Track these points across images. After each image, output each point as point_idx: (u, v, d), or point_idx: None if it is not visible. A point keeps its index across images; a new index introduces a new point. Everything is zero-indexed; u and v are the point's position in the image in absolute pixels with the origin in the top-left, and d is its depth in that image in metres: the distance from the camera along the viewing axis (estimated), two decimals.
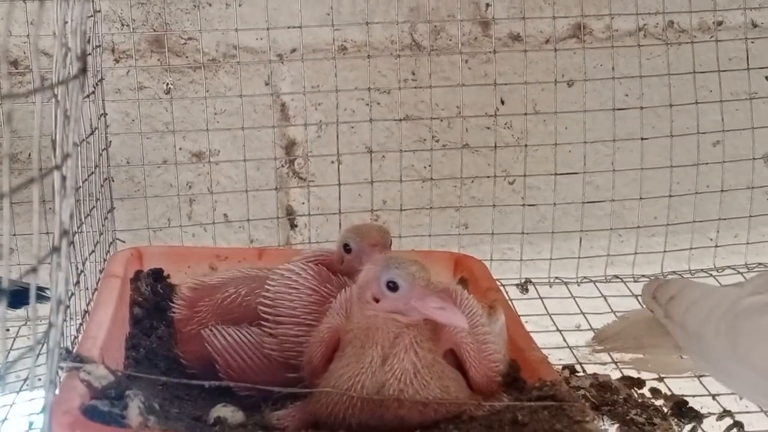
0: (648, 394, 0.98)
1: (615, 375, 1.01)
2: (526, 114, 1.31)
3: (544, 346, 0.93)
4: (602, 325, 1.17)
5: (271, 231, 1.34)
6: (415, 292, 0.71)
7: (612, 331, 1.06)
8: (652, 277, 1.27)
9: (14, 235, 1.20)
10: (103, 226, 1.11)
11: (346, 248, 0.88)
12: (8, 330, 1.12)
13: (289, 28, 1.27)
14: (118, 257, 1.02)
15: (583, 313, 1.20)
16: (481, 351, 0.77)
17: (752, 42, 1.33)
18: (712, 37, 1.33)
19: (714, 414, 0.95)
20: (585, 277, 1.30)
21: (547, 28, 1.32)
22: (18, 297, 0.86)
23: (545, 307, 1.22)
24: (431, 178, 1.33)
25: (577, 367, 1.03)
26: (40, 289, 0.90)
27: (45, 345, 0.62)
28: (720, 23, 1.34)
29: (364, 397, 0.72)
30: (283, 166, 1.34)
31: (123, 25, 1.27)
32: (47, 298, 0.76)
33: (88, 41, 1.07)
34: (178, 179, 1.30)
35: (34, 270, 0.54)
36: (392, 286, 0.71)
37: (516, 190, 1.35)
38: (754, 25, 1.35)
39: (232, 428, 0.74)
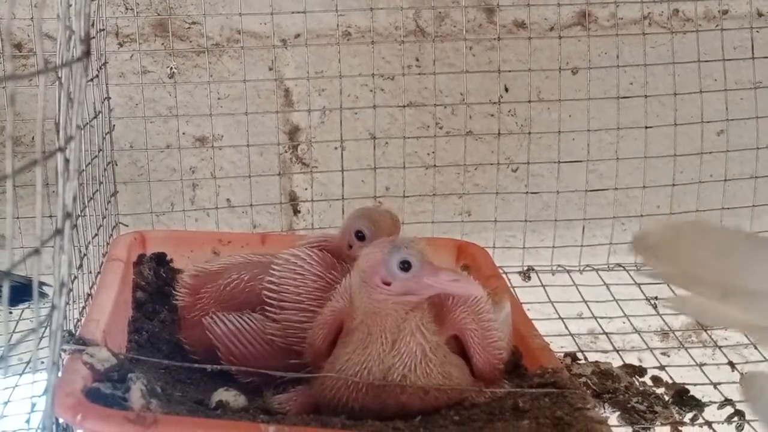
0: (649, 383, 0.98)
1: (617, 363, 1.01)
2: (530, 101, 1.31)
3: (546, 333, 0.93)
4: (604, 312, 1.17)
5: (274, 216, 1.34)
6: (427, 269, 0.72)
7: (656, 239, 0.80)
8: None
9: (17, 218, 1.21)
10: (106, 209, 1.11)
11: (359, 235, 0.86)
12: (11, 312, 1.12)
13: (293, 13, 1.27)
14: (121, 241, 1.02)
15: (585, 301, 1.20)
16: (485, 338, 0.77)
17: (757, 31, 1.32)
18: (717, 26, 1.32)
19: (715, 403, 0.95)
20: (587, 265, 1.30)
21: (552, 16, 1.32)
22: (18, 293, 0.86)
23: (547, 295, 1.22)
24: (434, 165, 1.32)
25: (579, 355, 1.03)
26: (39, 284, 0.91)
27: (48, 327, 0.62)
28: (725, 12, 1.34)
29: (368, 382, 0.72)
30: (286, 151, 1.34)
31: (127, 8, 1.27)
32: (47, 295, 0.76)
33: (92, 24, 1.07)
34: (182, 164, 1.30)
35: (36, 252, 0.54)
36: (405, 266, 0.71)
37: (519, 178, 1.35)
38: (760, 15, 1.35)
39: (234, 412, 0.74)
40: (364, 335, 0.73)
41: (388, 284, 0.72)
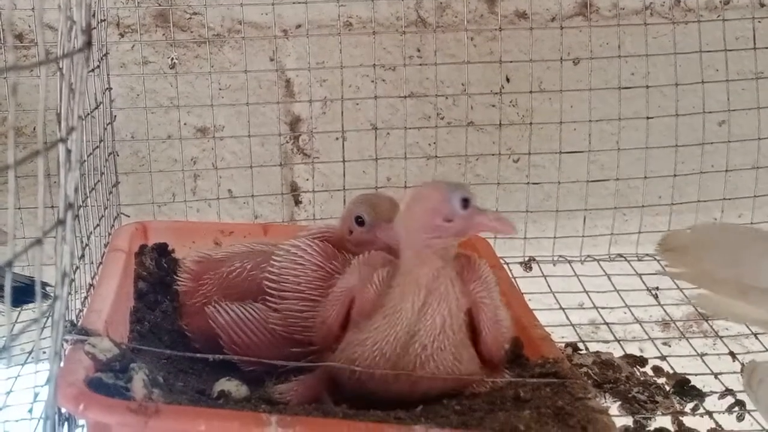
0: (650, 372, 0.99)
1: (617, 353, 1.01)
2: (531, 92, 1.31)
3: (547, 323, 0.93)
4: (605, 303, 1.17)
5: (276, 207, 1.34)
6: (476, 209, 0.75)
7: (680, 242, 0.90)
8: (656, 258, 1.27)
9: (19, 208, 1.21)
10: (107, 200, 1.11)
11: (359, 221, 0.86)
12: None
13: (294, 3, 1.27)
14: (122, 231, 1.03)
15: (587, 292, 1.20)
16: (495, 315, 0.78)
17: (759, 21, 1.32)
18: (719, 16, 1.32)
19: (716, 393, 0.96)
20: (589, 256, 1.30)
21: (553, 6, 1.32)
22: (21, 293, 0.86)
23: (549, 286, 1.22)
24: (436, 156, 1.32)
25: (580, 345, 1.03)
26: (42, 285, 0.91)
27: (50, 318, 0.62)
28: (727, 2, 1.34)
29: (394, 349, 0.74)
30: (287, 142, 1.34)
31: None
32: (50, 296, 0.76)
33: (93, 15, 1.07)
34: (183, 154, 1.31)
35: (38, 242, 0.54)
36: (465, 204, 0.74)
37: (520, 169, 1.35)
38: (762, 5, 1.35)
39: (236, 402, 0.74)
40: (397, 300, 0.74)
41: (450, 221, 0.74)
